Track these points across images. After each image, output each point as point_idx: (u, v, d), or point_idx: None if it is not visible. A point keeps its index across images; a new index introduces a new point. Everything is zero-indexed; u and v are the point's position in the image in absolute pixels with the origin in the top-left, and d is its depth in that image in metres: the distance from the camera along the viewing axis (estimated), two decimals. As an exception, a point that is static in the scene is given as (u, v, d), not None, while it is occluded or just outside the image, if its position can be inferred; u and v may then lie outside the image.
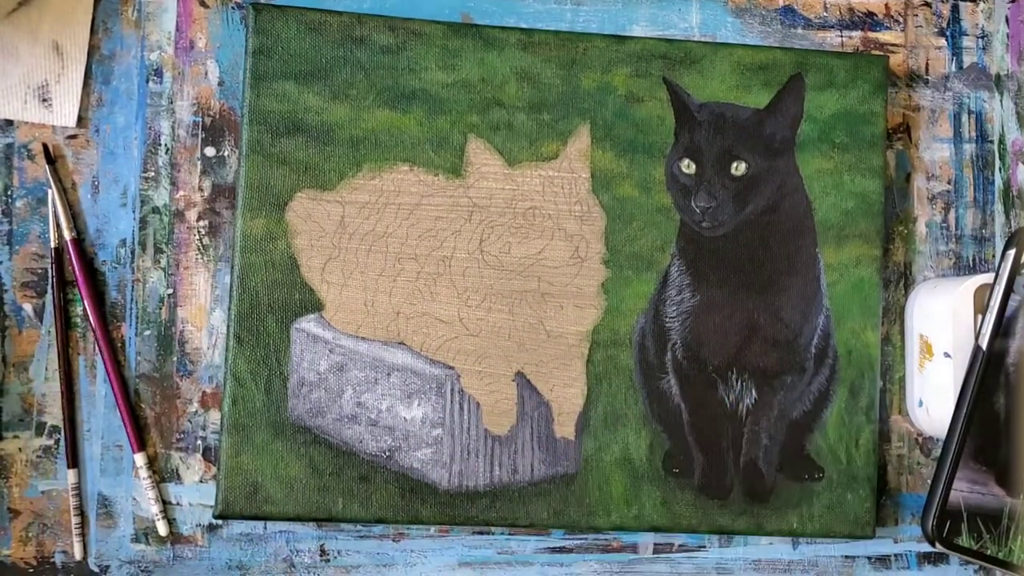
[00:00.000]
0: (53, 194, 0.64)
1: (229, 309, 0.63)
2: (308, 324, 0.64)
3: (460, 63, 0.65)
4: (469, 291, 0.64)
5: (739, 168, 0.65)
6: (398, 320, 0.64)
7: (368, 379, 0.64)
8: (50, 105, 0.65)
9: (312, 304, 0.64)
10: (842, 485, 0.65)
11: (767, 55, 0.66)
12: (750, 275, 0.65)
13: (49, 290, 0.64)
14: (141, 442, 0.64)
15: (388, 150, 0.65)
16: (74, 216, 0.65)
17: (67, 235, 0.64)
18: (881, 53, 0.68)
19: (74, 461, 0.64)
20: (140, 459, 0.64)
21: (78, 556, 0.63)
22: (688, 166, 0.65)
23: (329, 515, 0.63)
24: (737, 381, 0.65)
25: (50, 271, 0.64)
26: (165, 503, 0.64)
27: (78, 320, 0.65)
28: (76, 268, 0.64)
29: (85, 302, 0.64)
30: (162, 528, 0.64)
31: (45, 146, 0.64)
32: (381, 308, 0.64)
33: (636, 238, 0.66)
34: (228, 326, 0.63)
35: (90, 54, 0.66)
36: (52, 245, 0.64)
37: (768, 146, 0.66)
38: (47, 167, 0.64)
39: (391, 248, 0.64)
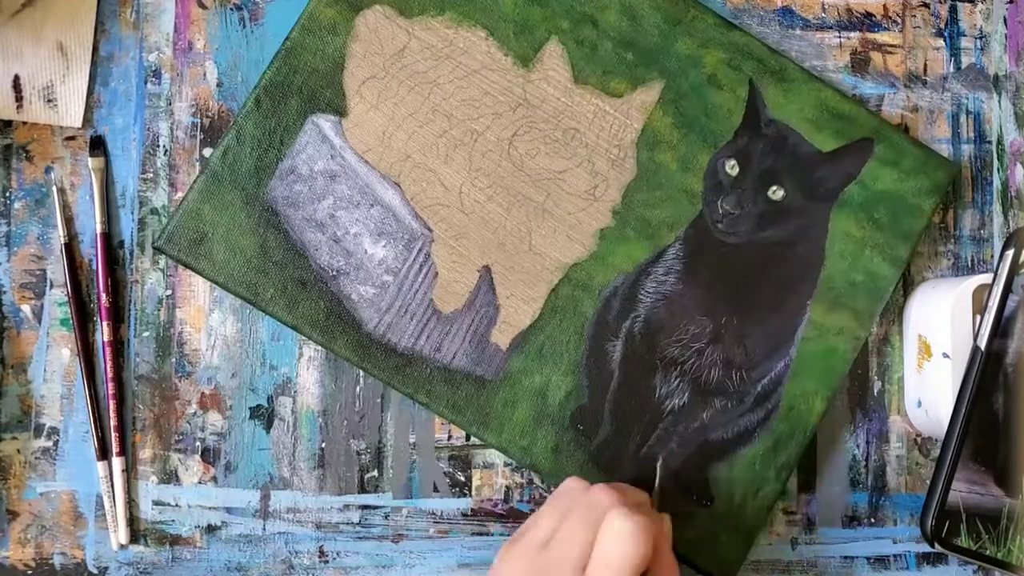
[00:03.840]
0: (94, 187, 0.65)
1: (264, 72, 0.64)
2: (324, 122, 0.65)
3: None
4: (481, 172, 0.65)
5: (776, 193, 0.65)
6: (405, 163, 0.64)
7: (352, 200, 0.64)
8: (55, 105, 0.65)
9: (338, 108, 0.65)
10: (723, 523, 0.64)
11: (852, 108, 0.66)
12: (737, 292, 0.65)
13: (66, 285, 0.65)
14: (117, 449, 0.64)
15: (476, 10, 0.66)
16: (73, 217, 0.65)
17: (98, 228, 0.65)
18: (954, 162, 0.68)
19: (103, 453, 0.64)
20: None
21: (124, 540, 0.64)
22: (732, 168, 0.65)
23: (255, 299, 0.63)
24: (676, 379, 0.65)
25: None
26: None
27: (71, 320, 0.65)
28: (100, 262, 0.64)
29: (103, 297, 0.64)
30: (119, 538, 0.64)
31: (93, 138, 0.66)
32: (396, 144, 0.65)
33: (653, 205, 0.65)
34: (256, 86, 0.64)
35: (89, 55, 0.66)
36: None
37: (812, 188, 0.66)
38: (90, 159, 0.65)
39: (432, 97, 0.65)
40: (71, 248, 0.65)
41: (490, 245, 0.65)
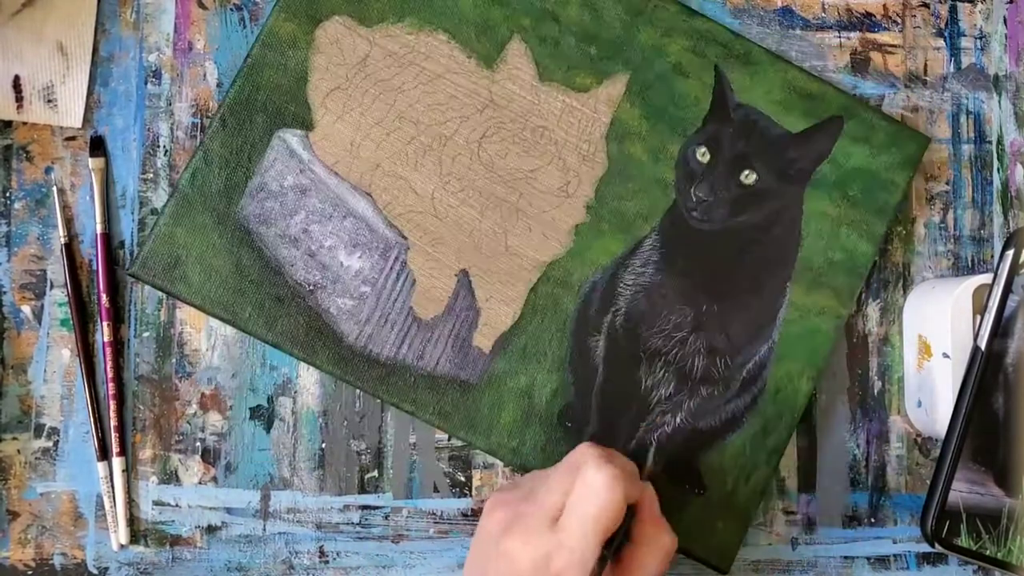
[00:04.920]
0: (94, 187, 0.65)
1: (227, 90, 0.64)
2: (291, 137, 0.64)
3: None
4: (452, 176, 0.65)
5: (749, 177, 0.65)
6: (375, 172, 0.64)
7: (324, 213, 0.64)
8: (55, 106, 0.65)
9: (304, 121, 0.64)
10: (718, 511, 0.64)
11: (819, 87, 0.66)
12: (716, 278, 0.65)
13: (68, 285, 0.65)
14: (117, 449, 0.64)
15: (435, 14, 0.65)
16: (73, 217, 0.65)
17: (99, 228, 0.65)
18: (925, 134, 0.67)
19: (103, 454, 0.64)
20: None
21: (124, 540, 0.64)
22: (703, 155, 0.65)
23: (233, 319, 0.63)
24: (661, 370, 0.65)
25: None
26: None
27: (71, 321, 0.65)
28: (101, 262, 0.64)
29: (103, 297, 0.64)
30: (120, 538, 0.64)
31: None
32: (364, 154, 0.64)
33: (626, 198, 0.65)
34: (219, 106, 0.64)
35: (89, 56, 0.66)
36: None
37: (784, 170, 0.66)
38: (90, 159, 0.65)
39: (398, 104, 0.65)
40: (71, 248, 0.65)
41: (466, 249, 0.65)
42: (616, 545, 0.55)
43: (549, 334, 0.65)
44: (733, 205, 0.65)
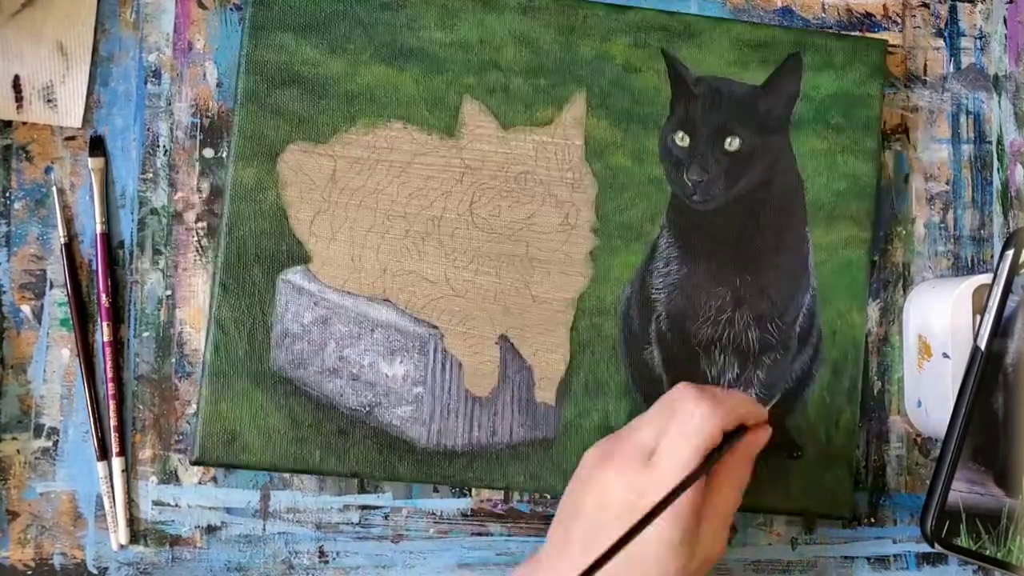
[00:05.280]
0: (94, 187, 0.65)
1: (216, 256, 0.64)
2: (294, 276, 0.64)
3: (459, 23, 0.65)
4: (457, 252, 0.65)
5: (733, 144, 0.65)
6: (384, 277, 0.64)
7: (352, 334, 0.64)
8: (55, 106, 0.65)
9: (299, 256, 0.64)
10: (821, 464, 0.65)
11: (766, 33, 0.67)
12: (738, 251, 0.66)
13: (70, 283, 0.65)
14: (117, 449, 0.64)
15: (383, 107, 0.65)
16: (73, 217, 0.65)
17: (98, 228, 0.65)
18: (878, 37, 0.68)
19: (103, 454, 0.64)
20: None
21: (124, 540, 0.64)
22: (682, 139, 0.65)
23: (306, 467, 0.63)
24: (720, 355, 0.65)
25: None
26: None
27: (71, 320, 0.65)
28: (100, 262, 0.64)
29: (102, 297, 0.64)
30: (119, 538, 0.64)
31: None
32: (368, 264, 0.64)
33: (626, 208, 0.66)
34: (214, 273, 0.64)
35: (89, 55, 0.66)
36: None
37: (763, 123, 0.66)
38: (90, 159, 0.65)
39: (381, 205, 0.64)
40: (71, 248, 0.65)
41: (496, 314, 0.65)
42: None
43: (604, 363, 0.65)
44: (727, 176, 0.65)
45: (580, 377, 0.65)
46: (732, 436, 0.55)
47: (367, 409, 0.64)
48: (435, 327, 0.64)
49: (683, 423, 0.54)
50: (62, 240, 0.64)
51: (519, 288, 0.65)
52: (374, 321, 0.64)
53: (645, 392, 0.65)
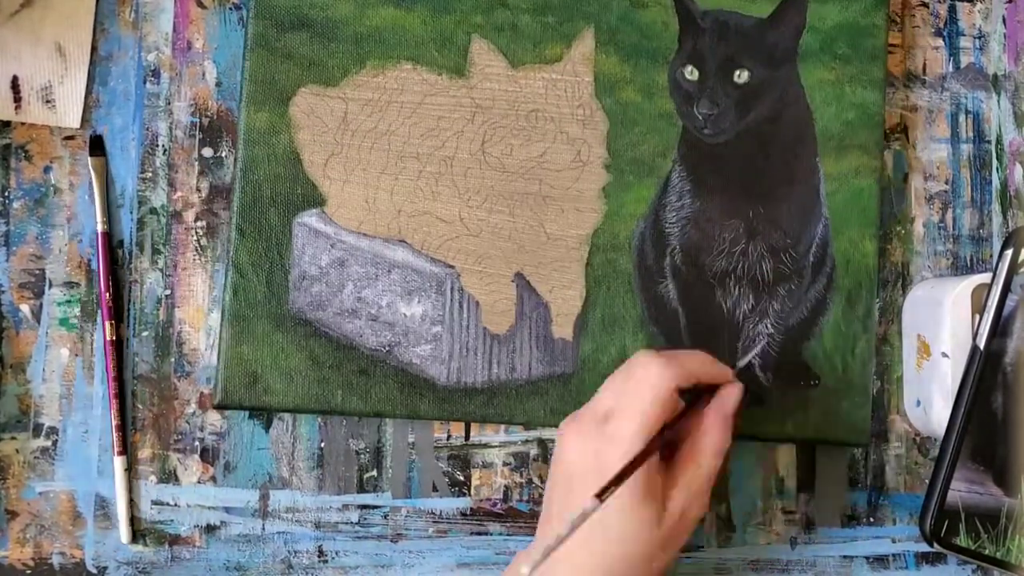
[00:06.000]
0: (94, 187, 0.65)
1: (232, 201, 0.64)
2: (310, 219, 0.64)
3: None
4: (470, 191, 0.65)
5: (742, 76, 0.66)
6: (399, 218, 0.64)
7: (369, 275, 0.64)
8: (53, 106, 0.65)
9: (314, 199, 0.64)
10: (838, 393, 0.66)
11: None
12: (750, 183, 0.66)
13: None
14: (118, 448, 0.64)
15: (392, 48, 0.65)
16: (72, 217, 0.65)
17: (100, 227, 0.65)
18: None
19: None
20: (120, 463, 0.64)
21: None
22: (691, 73, 0.66)
23: (329, 407, 0.63)
24: (735, 287, 0.66)
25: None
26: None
27: (76, 320, 0.65)
28: (101, 262, 0.64)
29: (104, 296, 0.64)
30: (121, 536, 0.64)
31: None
32: (382, 206, 0.65)
33: (638, 143, 0.66)
34: (231, 217, 0.64)
35: (88, 55, 0.66)
36: (99, 230, 0.65)
37: (771, 55, 0.66)
38: (89, 159, 0.65)
39: (393, 146, 0.65)
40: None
41: (511, 253, 0.65)
42: (668, 435, 0.56)
43: (620, 298, 0.65)
44: (738, 108, 0.66)
45: (596, 312, 0.65)
46: (697, 398, 0.57)
47: (387, 349, 0.64)
48: (451, 266, 0.65)
49: (637, 382, 0.55)
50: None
51: (533, 226, 0.65)
52: (391, 262, 0.64)
53: (661, 326, 0.66)
